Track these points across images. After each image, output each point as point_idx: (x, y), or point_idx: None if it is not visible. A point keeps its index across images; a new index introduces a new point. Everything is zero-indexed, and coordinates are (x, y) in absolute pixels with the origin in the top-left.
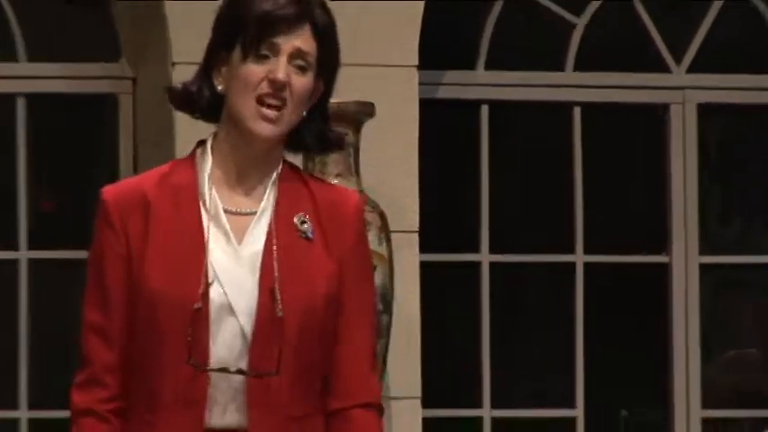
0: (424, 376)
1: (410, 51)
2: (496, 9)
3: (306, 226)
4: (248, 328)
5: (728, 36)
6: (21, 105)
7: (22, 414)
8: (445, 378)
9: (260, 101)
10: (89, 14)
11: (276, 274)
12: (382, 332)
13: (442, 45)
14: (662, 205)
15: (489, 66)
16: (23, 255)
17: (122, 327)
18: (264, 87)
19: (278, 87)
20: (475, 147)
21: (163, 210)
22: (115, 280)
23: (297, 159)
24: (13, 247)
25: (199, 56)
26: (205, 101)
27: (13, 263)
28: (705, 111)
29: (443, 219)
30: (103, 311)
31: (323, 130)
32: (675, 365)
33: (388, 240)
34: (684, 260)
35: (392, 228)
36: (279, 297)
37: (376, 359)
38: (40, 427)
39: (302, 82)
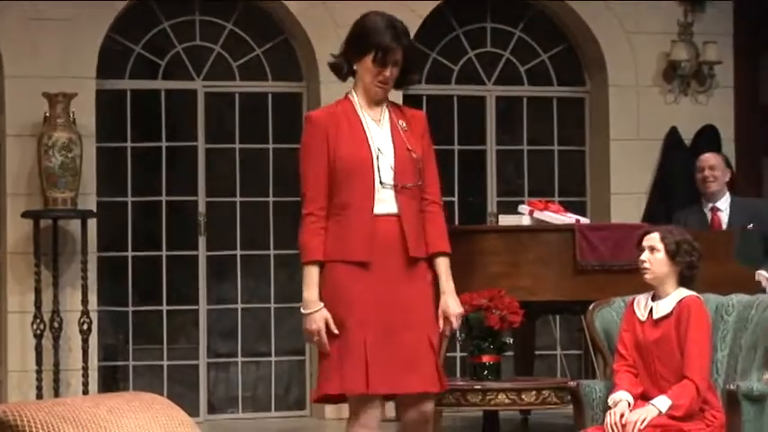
0: None
1: None
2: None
3: (403, 125)
4: (394, 165)
5: (513, 65)
6: None
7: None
8: None
9: (377, 84)
10: None
11: (404, 140)
12: None
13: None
14: (482, 126)
15: (426, 82)
16: None
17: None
18: (380, 78)
19: (386, 82)
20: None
21: (341, 121)
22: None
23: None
24: None
25: None
26: (346, 72)
27: None
28: (498, 100)
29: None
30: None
31: (408, 81)
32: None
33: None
34: (491, 147)
35: None
36: (410, 148)
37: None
38: None
39: (395, 72)
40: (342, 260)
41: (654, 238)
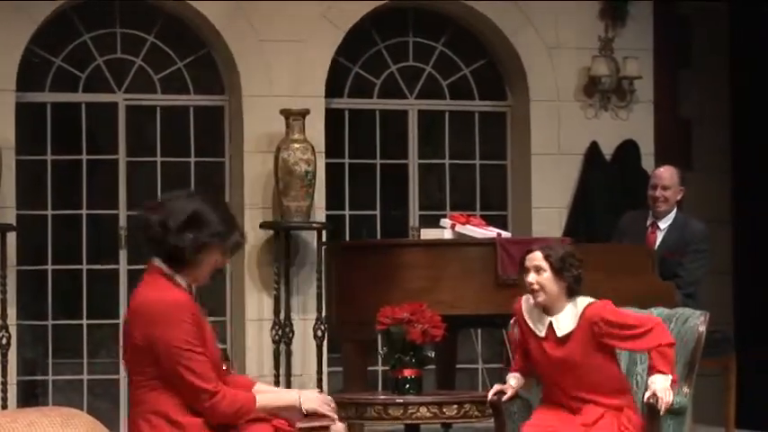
0: None
1: (319, 89)
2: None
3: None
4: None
5: (435, 79)
6: None
7: None
8: None
9: (214, 270)
10: None
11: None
12: None
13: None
14: (404, 140)
15: (349, 96)
16: None
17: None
18: (219, 265)
19: (221, 268)
20: (341, 123)
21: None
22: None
23: None
24: None
25: None
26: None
27: None
28: (421, 114)
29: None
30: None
31: None
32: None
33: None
34: (413, 161)
35: None
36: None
37: None
38: None
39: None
40: None
41: (537, 258)
